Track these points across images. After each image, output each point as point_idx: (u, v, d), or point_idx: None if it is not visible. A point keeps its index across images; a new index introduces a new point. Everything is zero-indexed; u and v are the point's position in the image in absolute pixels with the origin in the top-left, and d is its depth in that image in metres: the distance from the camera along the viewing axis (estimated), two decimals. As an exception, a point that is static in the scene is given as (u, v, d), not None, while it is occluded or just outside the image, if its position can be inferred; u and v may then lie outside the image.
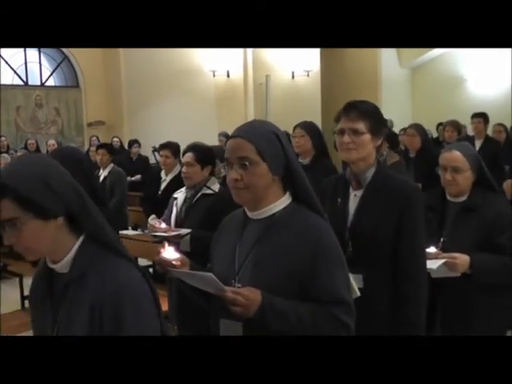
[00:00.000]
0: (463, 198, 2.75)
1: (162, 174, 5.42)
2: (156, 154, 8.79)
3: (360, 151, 2.23)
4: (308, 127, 4.04)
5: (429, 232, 2.51)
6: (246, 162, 1.67)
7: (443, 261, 2.51)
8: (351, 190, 2.33)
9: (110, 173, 6.17)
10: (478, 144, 6.38)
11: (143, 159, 9.66)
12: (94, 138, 10.83)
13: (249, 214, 1.79)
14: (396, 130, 9.72)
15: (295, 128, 4.10)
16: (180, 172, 5.37)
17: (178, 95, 11.42)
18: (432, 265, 2.45)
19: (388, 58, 13.43)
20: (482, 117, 6.60)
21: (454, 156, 2.72)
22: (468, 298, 2.61)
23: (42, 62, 12.77)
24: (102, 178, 6.16)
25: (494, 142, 6.71)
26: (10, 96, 12.01)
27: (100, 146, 6.56)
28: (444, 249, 2.63)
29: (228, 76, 11.39)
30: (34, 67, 12.68)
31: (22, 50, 12.27)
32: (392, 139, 8.27)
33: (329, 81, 12.49)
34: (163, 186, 5.35)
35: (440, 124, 9.70)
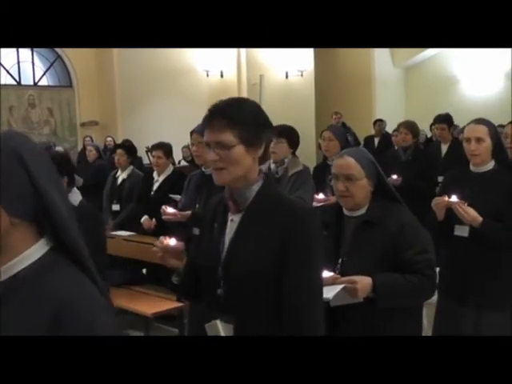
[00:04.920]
0: (361, 212, 2.40)
1: (155, 174, 5.41)
2: (149, 154, 8.79)
3: (232, 170, 1.73)
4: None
5: (326, 253, 2.15)
6: None
7: (341, 286, 2.18)
8: (230, 213, 1.84)
9: (129, 176, 5.91)
10: (444, 148, 6.14)
11: (137, 160, 9.64)
12: (88, 138, 10.79)
13: None
14: (389, 129, 9.77)
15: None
16: (172, 172, 5.39)
17: (171, 95, 11.41)
18: (328, 293, 2.09)
19: (382, 58, 13.45)
20: (445, 122, 6.23)
21: (346, 163, 2.37)
22: (369, 325, 2.27)
23: (35, 61, 12.72)
24: (120, 181, 5.94)
25: (462, 145, 6.37)
26: (3, 96, 11.92)
27: (118, 146, 6.27)
28: (343, 271, 2.31)
29: (222, 76, 11.39)
30: (26, 67, 12.63)
31: (14, 49, 12.22)
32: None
33: (322, 81, 12.51)
34: (155, 186, 5.34)
35: (433, 124, 9.72)
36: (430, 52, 13.24)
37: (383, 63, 13.54)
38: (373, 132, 10.57)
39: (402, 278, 2.26)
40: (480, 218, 2.94)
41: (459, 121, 7.90)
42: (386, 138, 9.72)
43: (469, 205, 2.95)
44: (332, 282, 2.20)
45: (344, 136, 4.75)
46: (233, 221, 1.82)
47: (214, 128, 1.73)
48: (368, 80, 13.27)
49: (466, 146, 3.13)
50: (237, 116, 1.72)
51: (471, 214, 2.93)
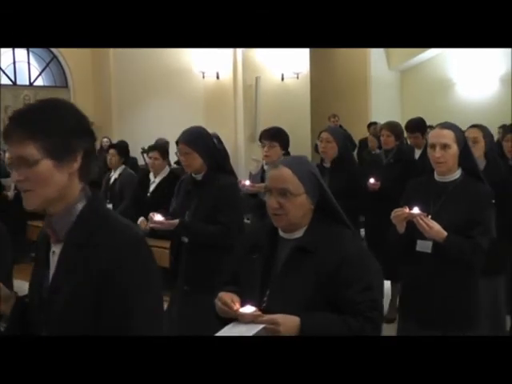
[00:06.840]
0: (298, 235, 2.02)
1: (151, 175, 5.42)
2: (145, 155, 8.78)
3: (41, 191, 1.43)
4: (194, 144, 3.35)
5: (253, 282, 1.97)
6: None
7: (260, 327, 1.81)
8: (52, 244, 1.54)
9: (120, 175, 5.95)
10: (418, 153, 5.84)
11: (131, 160, 9.63)
12: (83, 139, 10.76)
13: None
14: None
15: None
16: (169, 174, 5.39)
17: (167, 96, 11.39)
18: (243, 332, 1.79)
19: (377, 61, 13.48)
20: (417, 131, 5.84)
21: (281, 174, 1.98)
22: None
23: (31, 61, 12.69)
24: (112, 180, 5.96)
25: None
26: (-2, 96, 11.93)
27: (111, 146, 6.31)
28: (268, 307, 1.94)
29: (217, 77, 11.38)
30: (22, 67, 12.60)
31: (10, 49, 12.19)
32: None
33: (318, 83, 12.53)
34: (152, 187, 5.34)
35: (429, 127, 9.74)
36: (426, 55, 13.28)
37: (379, 66, 13.57)
38: (368, 135, 10.60)
39: (338, 321, 1.87)
40: (444, 233, 2.65)
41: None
42: (380, 140, 9.74)
43: (432, 217, 2.68)
44: (252, 319, 1.84)
45: (343, 138, 4.58)
46: (54, 253, 1.51)
47: (13, 141, 1.41)
48: (364, 82, 13.29)
49: (431, 153, 2.78)
50: (39, 124, 1.41)
51: (434, 227, 2.63)
